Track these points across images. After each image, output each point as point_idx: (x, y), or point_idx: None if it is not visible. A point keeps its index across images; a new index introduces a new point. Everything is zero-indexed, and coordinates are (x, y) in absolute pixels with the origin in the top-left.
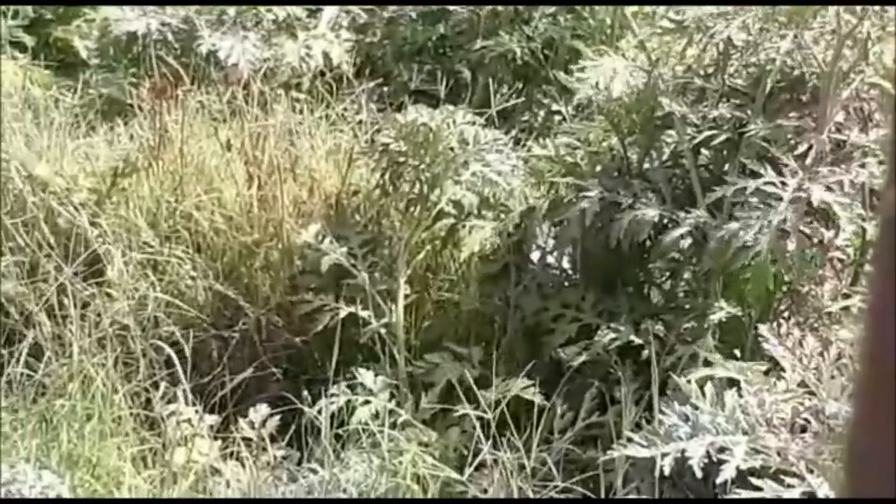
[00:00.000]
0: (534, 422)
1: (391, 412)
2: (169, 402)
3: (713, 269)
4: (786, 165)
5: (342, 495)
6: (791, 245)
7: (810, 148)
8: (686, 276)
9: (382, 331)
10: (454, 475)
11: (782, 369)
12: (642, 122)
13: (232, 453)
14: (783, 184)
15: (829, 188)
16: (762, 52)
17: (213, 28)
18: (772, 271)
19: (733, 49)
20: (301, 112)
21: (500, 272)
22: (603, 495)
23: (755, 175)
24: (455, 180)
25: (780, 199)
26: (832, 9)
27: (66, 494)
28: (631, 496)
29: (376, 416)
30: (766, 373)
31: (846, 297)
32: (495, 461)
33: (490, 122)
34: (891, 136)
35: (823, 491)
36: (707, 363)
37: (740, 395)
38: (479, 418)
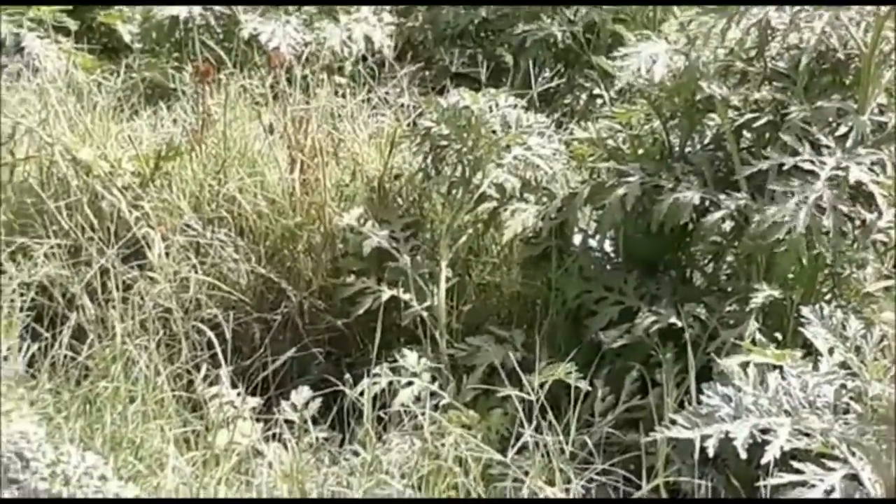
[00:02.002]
0: (573, 404)
1: (433, 394)
2: (211, 384)
3: (754, 251)
4: (826, 146)
5: (384, 477)
6: (827, 222)
7: (851, 130)
8: (729, 258)
9: (424, 314)
10: (497, 457)
11: (820, 354)
12: (684, 106)
13: (274, 435)
14: (821, 162)
15: (870, 169)
16: (801, 32)
17: (255, 12)
18: (805, 248)
19: (772, 31)
20: (343, 96)
21: (541, 255)
22: (644, 478)
23: (795, 156)
24: (497, 163)
25: (818, 177)
26: None
27: (110, 475)
28: (672, 478)
29: (418, 398)
30: (805, 357)
31: (888, 278)
32: (537, 444)
33: (531, 106)
34: None
35: (866, 473)
36: (749, 349)
37: (783, 377)
38: (521, 401)
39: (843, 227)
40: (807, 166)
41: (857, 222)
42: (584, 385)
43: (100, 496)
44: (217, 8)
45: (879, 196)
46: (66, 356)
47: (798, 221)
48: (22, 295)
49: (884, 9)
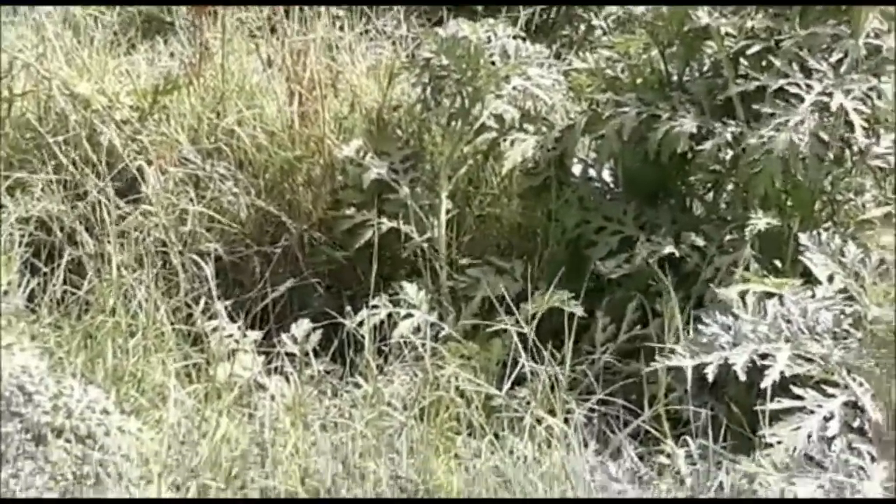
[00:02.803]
0: (570, 335)
1: (433, 325)
2: (211, 318)
3: (746, 177)
4: (817, 71)
5: (386, 409)
6: (805, 148)
7: (845, 55)
8: (729, 187)
9: (424, 245)
10: (492, 390)
11: (818, 281)
12: (681, 34)
13: (275, 368)
14: (808, 87)
15: (865, 94)
16: None
17: None
18: (780, 170)
19: None
20: (341, 28)
21: (541, 186)
22: (645, 406)
23: (784, 78)
24: (497, 94)
25: (804, 101)
26: None
27: (112, 409)
28: (673, 406)
29: (418, 329)
30: (804, 283)
31: (886, 204)
32: (537, 374)
33: (530, 36)
34: None
35: (866, 399)
36: (746, 277)
37: (782, 304)
38: (519, 332)
39: (823, 153)
40: (794, 90)
41: (855, 149)
42: (579, 311)
43: (102, 429)
44: None
45: (859, 125)
46: (65, 290)
47: (776, 145)
48: (20, 230)
49: None
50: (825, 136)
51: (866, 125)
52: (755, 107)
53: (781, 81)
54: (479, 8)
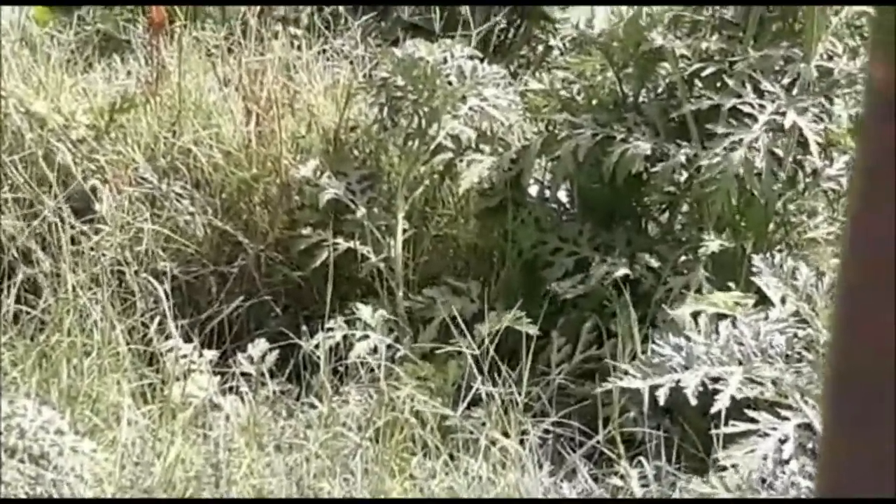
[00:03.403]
0: (525, 355)
1: (389, 347)
2: (167, 337)
3: (703, 198)
4: (769, 92)
5: (341, 429)
6: (760, 164)
7: (798, 77)
8: (684, 208)
9: (381, 266)
10: (447, 412)
11: (772, 303)
12: (636, 55)
13: (231, 388)
14: (761, 107)
15: (817, 117)
16: None
17: None
18: (735, 188)
19: None
20: (299, 47)
21: (497, 207)
22: (600, 427)
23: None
24: (453, 115)
25: (757, 121)
26: None
27: (66, 429)
28: (627, 428)
29: (374, 350)
30: (756, 304)
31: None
32: (492, 395)
33: (487, 57)
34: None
35: (818, 422)
36: (697, 298)
37: (735, 326)
38: (475, 353)
39: (778, 170)
40: (747, 110)
41: (808, 170)
42: (533, 331)
43: (56, 449)
44: None
45: (814, 143)
46: (19, 310)
47: (731, 163)
48: None
49: None
50: (780, 153)
51: (821, 141)
52: (709, 127)
53: (735, 101)
54: (437, 29)
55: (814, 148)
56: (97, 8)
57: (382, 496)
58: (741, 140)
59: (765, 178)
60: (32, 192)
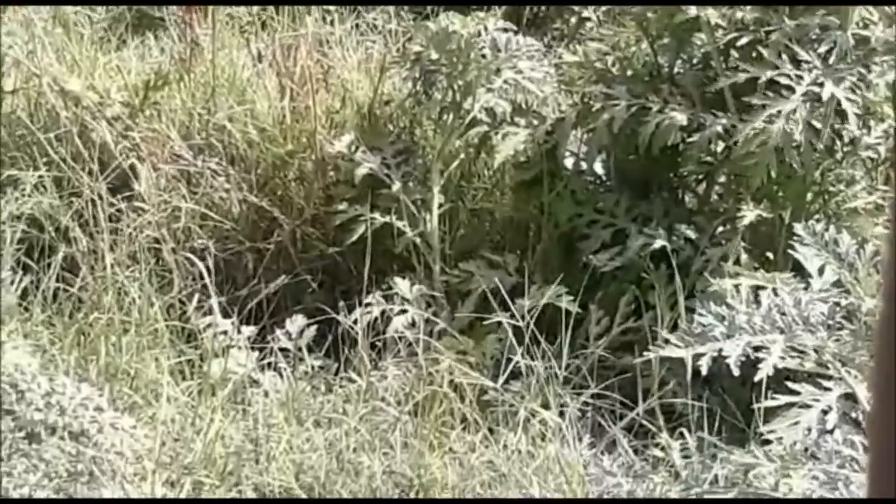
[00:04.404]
0: (564, 329)
1: (427, 321)
2: (205, 314)
3: (740, 169)
4: (806, 62)
5: (380, 404)
6: (799, 136)
7: (834, 45)
8: (720, 179)
9: (417, 240)
10: (487, 383)
11: (810, 274)
12: (670, 26)
13: (269, 364)
14: (798, 77)
15: (854, 85)
16: None
17: None
18: (775, 160)
19: None
20: (332, 22)
21: (533, 179)
22: (640, 399)
23: (774, 70)
24: (488, 88)
25: (795, 92)
26: None
27: (105, 406)
28: (667, 399)
29: (412, 324)
30: (796, 275)
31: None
32: (532, 368)
33: (520, 30)
34: None
35: (861, 391)
36: (736, 271)
37: (776, 295)
38: (514, 326)
39: (816, 141)
40: (784, 81)
41: (846, 139)
42: (574, 308)
43: (95, 426)
44: None
45: (852, 114)
46: (58, 288)
47: (770, 135)
48: (12, 227)
49: None
50: (818, 125)
51: (859, 112)
52: (745, 99)
53: (771, 73)
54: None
55: (852, 119)
56: None
57: (422, 470)
58: (779, 112)
59: (804, 150)
60: (68, 170)
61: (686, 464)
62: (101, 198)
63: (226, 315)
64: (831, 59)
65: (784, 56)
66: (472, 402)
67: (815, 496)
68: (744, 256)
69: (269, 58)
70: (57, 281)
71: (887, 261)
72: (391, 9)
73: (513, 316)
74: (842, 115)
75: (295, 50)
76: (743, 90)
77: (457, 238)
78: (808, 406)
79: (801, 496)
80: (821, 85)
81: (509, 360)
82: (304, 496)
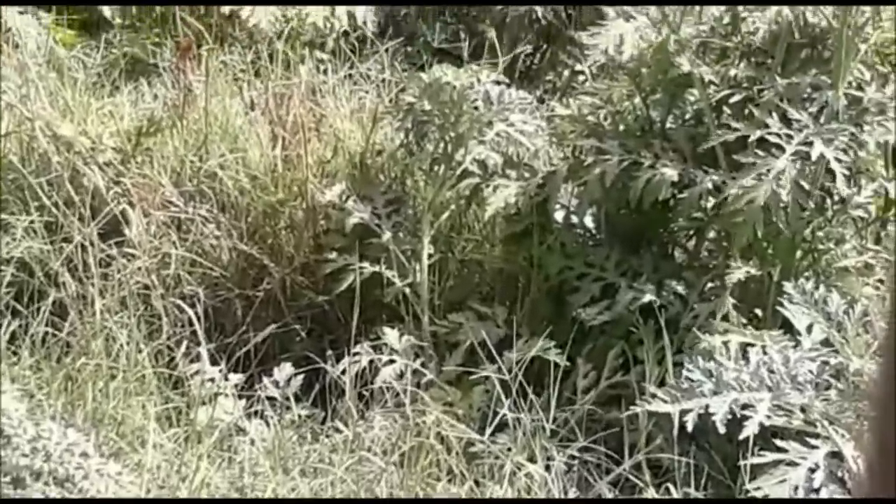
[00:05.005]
0: (552, 382)
1: (415, 372)
2: (192, 361)
3: (727, 226)
4: (797, 121)
5: (366, 454)
6: (786, 197)
7: (826, 105)
8: (710, 235)
9: (407, 290)
10: (473, 436)
11: (798, 332)
12: (663, 81)
13: (256, 412)
14: (788, 137)
15: (847, 145)
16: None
17: None
18: (762, 220)
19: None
20: (325, 72)
21: (523, 232)
22: (626, 454)
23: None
24: (479, 140)
25: (784, 151)
26: None
27: (92, 452)
28: (654, 454)
29: (400, 375)
30: (784, 332)
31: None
32: (519, 420)
33: (513, 82)
34: None
35: (848, 450)
36: (726, 328)
37: (764, 352)
38: (502, 379)
39: (805, 202)
40: (774, 140)
41: (836, 198)
42: (562, 361)
43: (81, 473)
44: None
45: (840, 174)
46: (46, 333)
47: (758, 194)
48: (1, 271)
49: None
50: (806, 185)
51: (848, 173)
52: (737, 157)
53: (761, 132)
54: (465, 54)
55: (841, 179)
56: (124, 31)
57: None
58: (768, 171)
59: (791, 210)
60: (59, 215)
61: None
62: (91, 243)
63: (214, 362)
64: (822, 119)
65: (775, 115)
66: (459, 454)
67: None
68: (733, 313)
69: (262, 106)
70: (45, 325)
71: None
72: (385, 59)
73: (500, 368)
74: (831, 173)
75: (288, 98)
76: (734, 147)
77: (446, 289)
78: (795, 464)
79: None
80: (810, 144)
81: (496, 412)
82: None
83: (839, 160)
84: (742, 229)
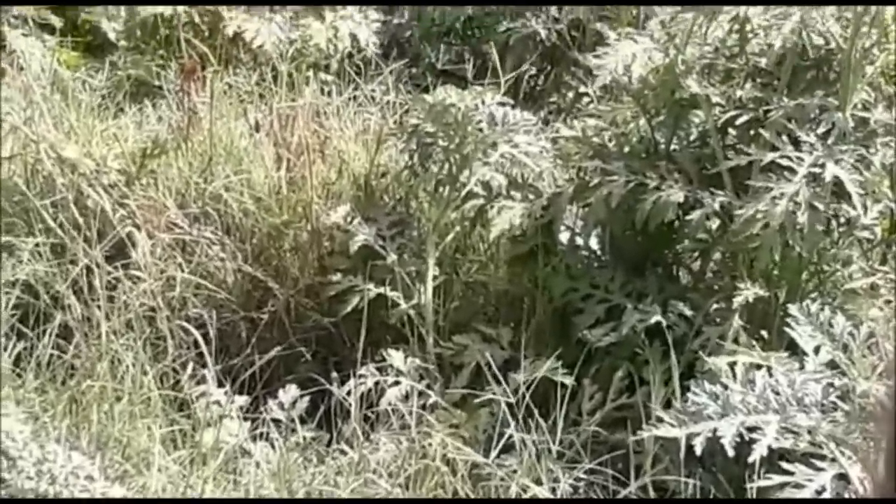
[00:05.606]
0: (559, 403)
1: (420, 394)
2: (198, 383)
3: (737, 249)
4: (806, 143)
5: (371, 476)
6: (802, 219)
7: (833, 126)
8: (715, 256)
9: (411, 312)
10: (480, 459)
11: (805, 353)
12: (668, 103)
13: (261, 434)
14: (799, 159)
15: (853, 166)
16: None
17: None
18: (778, 244)
19: (752, 29)
20: (329, 93)
21: (528, 253)
22: (632, 476)
23: (775, 152)
24: (484, 161)
25: (796, 173)
26: None
27: (97, 475)
28: (660, 477)
29: (406, 397)
30: (790, 355)
31: (873, 275)
32: (525, 442)
33: (518, 104)
34: None
35: (854, 472)
36: (734, 349)
37: (770, 375)
38: (507, 401)
39: (819, 224)
40: (785, 163)
41: (842, 219)
42: (569, 382)
43: (86, 496)
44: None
45: (855, 194)
46: (51, 355)
47: (773, 218)
48: (7, 293)
49: (860, 8)
50: (821, 207)
51: (863, 193)
52: (749, 182)
53: (772, 155)
54: (469, 76)
55: (857, 199)
56: (128, 53)
57: None
58: (782, 194)
59: (808, 233)
60: (65, 236)
61: None
62: (97, 265)
63: (219, 384)
64: (829, 140)
65: (784, 137)
66: (464, 476)
67: None
68: (742, 335)
69: (267, 128)
70: (51, 348)
71: None
72: (389, 81)
73: (505, 390)
74: (837, 195)
75: (292, 120)
76: (741, 169)
77: (451, 310)
78: (801, 486)
79: None
80: (822, 166)
81: (501, 434)
82: None
83: (854, 180)
84: (760, 253)
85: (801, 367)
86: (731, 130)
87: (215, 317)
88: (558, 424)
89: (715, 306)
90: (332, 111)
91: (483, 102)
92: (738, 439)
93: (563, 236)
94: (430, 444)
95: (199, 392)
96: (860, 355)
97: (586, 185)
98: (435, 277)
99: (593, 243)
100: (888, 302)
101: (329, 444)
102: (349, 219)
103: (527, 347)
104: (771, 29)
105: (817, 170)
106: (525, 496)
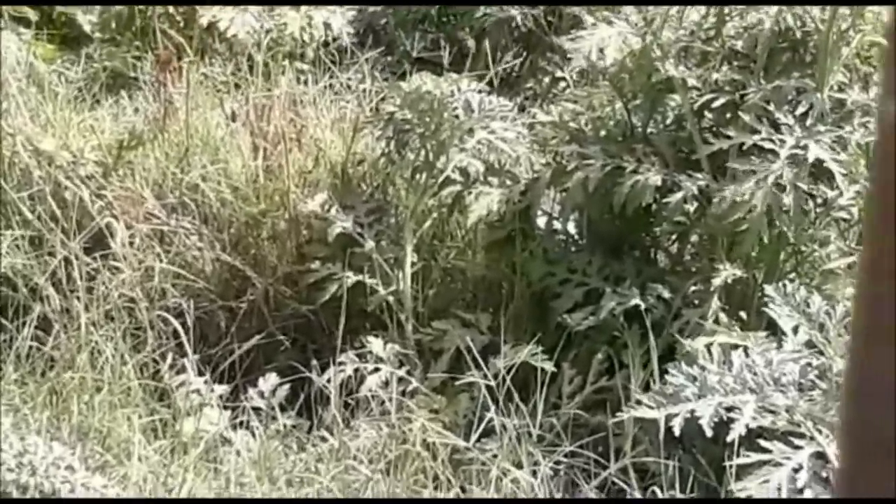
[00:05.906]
0: (539, 387)
1: (400, 380)
2: (178, 372)
3: (716, 231)
4: (786, 125)
5: (352, 463)
6: (787, 200)
7: (810, 108)
8: (693, 238)
9: (390, 299)
10: (461, 443)
11: (784, 333)
12: (645, 87)
13: (242, 423)
14: (781, 141)
15: (831, 147)
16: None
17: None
18: (766, 226)
19: (728, 12)
20: (305, 82)
21: (506, 239)
22: (612, 458)
23: (755, 134)
24: (460, 147)
25: (778, 155)
26: None
27: (77, 466)
28: (640, 458)
29: (385, 384)
30: (769, 335)
31: (850, 255)
32: (505, 426)
33: (494, 90)
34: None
35: (832, 450)
36: (714, 329)
37: (747, 355)
38: (487, 385)
39: (803, 205)
40: (767, 145)
41: (819, 200)
42: (549, 367)
43: (67, 486)
44: None
45: (838, 174)
46: (31, 347)
47: (758, 200)
48: None
49: None
50: (804, 188)
51: (845, 173)
52: (724, 164)
53: (755, 138)
54: (445, 62)
55: (839, 180)
56: (104, 45)
57: None
58: (765, 177)
59: (793, 214)
60: (42, 229)
61: None
62: (76, 257)
63: (199, 373)
64: (808, 122)
65: (764, 120)
66: (445, 460)
67: None
68: (722, 316)
69: (243, 117)
70: (30, 340)
71: None
72: (365, 69)
73: (486, 375)
74: (814, 175)
75: (269, 109)
76: (718, 151)
77: (429, 297)
78: (779, 464)
79: None
80: (804, 147)
81: (482, 418)
82: None
83: (836, 160)
84: (746, 237)
85: (780, 347)
86: (707, 113)
87: (194, 306)
88: (538, 408)
89: (693, 288)
90: (308, 100)
91: (459, 89)
92: (716, 420)
93: (541, 221)
94: (410, 430)
95: (179, 381)
96: (836, 334)
97: (563, 170)
98: (413, 264)
99: (571, 228)
100: None
101: (309, 431)
102: (327, 207)
103: (506, 332)
104: (748, 12)
105: (799, 151)
106: (505, 479)
